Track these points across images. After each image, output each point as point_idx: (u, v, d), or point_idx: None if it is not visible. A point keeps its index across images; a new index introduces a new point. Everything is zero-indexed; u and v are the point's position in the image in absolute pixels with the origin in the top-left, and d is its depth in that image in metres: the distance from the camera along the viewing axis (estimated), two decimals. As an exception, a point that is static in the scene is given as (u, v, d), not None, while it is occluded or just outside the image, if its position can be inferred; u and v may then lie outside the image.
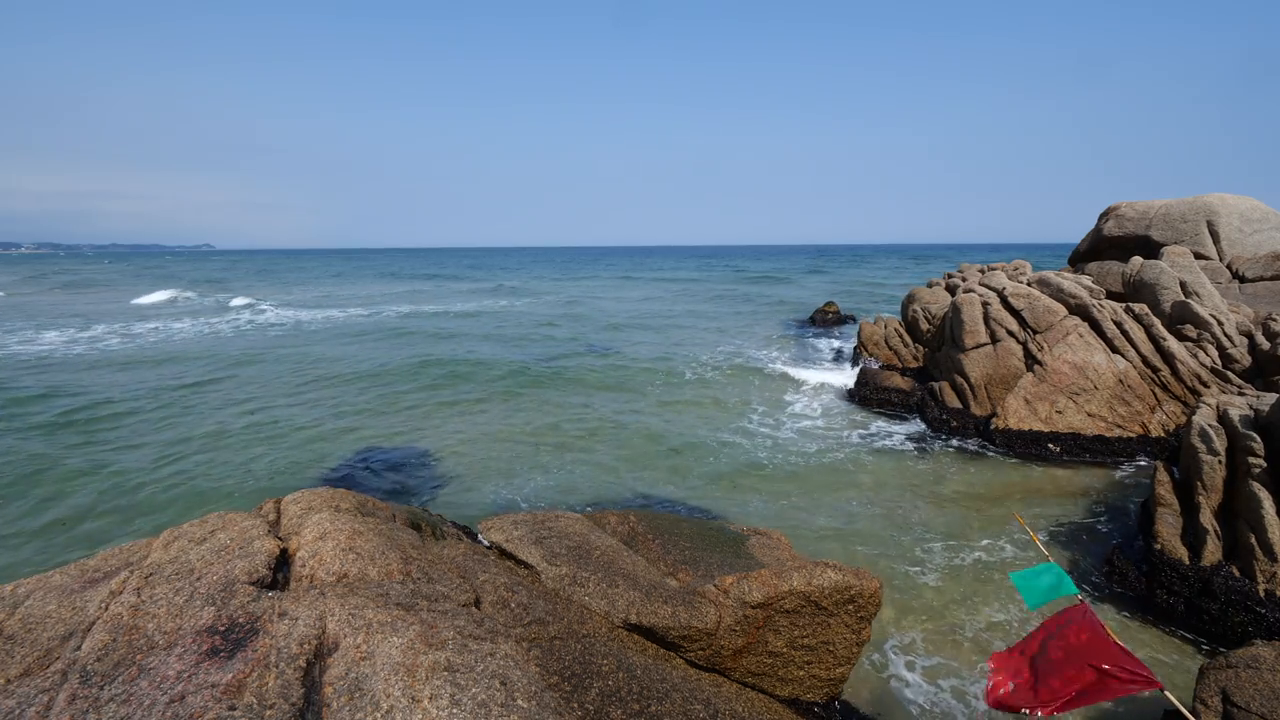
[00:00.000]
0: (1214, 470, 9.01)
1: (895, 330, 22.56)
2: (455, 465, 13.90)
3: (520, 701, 3.37)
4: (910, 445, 15.07)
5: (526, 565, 5.52)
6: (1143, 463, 13.47)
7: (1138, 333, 15.37)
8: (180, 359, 25.91)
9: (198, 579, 3.99)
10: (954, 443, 15.06)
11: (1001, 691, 4.37)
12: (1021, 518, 6.02)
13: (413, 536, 5.25)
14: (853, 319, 37.71)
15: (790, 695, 5.69)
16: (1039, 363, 15.34)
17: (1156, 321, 15.44)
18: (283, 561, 4.40)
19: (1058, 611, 4.62)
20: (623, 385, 21.49)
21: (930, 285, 23.98)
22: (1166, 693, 3.80)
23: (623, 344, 30.11)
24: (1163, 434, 14.09)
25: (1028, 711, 4.18)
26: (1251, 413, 9.33)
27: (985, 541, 10.22)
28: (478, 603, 4.50)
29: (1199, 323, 15.64)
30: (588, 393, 20.48)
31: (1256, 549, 7.90)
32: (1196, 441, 9.40)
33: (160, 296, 57.69)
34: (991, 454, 14.19)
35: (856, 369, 21.24)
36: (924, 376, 19.53)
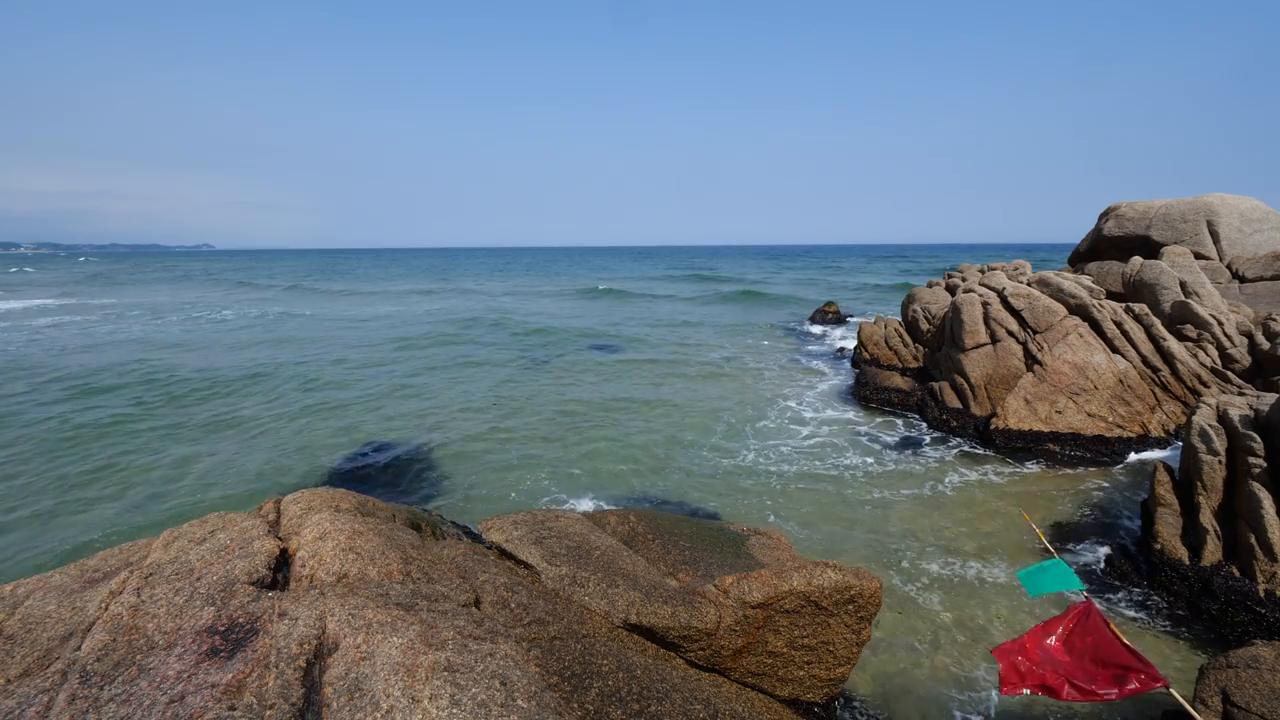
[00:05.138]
0: (1214, 470, 9.01)
1: (895, 330, 22.55)
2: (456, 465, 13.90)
3: (520, 701, 3.37)
4: (910, 445, 15.06)
5: (526, 565, 5.52)
6: (1143, 463, 13.47)
7: (1138, 333, 15.37)
8: None
9: (198, 579, 3.98)
10: (954, 442, 15.06)
11: (1014, 679, 4.41)
12: (1028, 515, 6.02)
13: (413, 536, 5.25)
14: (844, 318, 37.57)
15: (790, 695, 5.69)
16: (1039, 363, 15.34)
17: (1156, 321, 15.44)
18: (283, 561, 4.40)
19: (1064, 611, 4.66)
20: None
21: (930, 285, 23.97)
22: (1172, 690, 3.79)
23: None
24: (1163, 434, 14.09)
25: (1029, 692, 4.24)
26: (1251, 413, 9.32)
27: (985, 541, 10.21)
28: (477, 603, 4.50)
29: (1199, 323, 15.64)
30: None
31: (1256, 549, 7.90)
32: (1196, 441, 9.39)
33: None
34: (991, 454, 14.18)
35: (852, 369, 21.23)
36: (924, 376, 19.52)
